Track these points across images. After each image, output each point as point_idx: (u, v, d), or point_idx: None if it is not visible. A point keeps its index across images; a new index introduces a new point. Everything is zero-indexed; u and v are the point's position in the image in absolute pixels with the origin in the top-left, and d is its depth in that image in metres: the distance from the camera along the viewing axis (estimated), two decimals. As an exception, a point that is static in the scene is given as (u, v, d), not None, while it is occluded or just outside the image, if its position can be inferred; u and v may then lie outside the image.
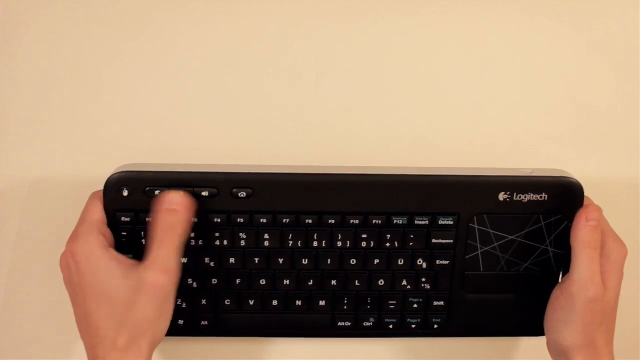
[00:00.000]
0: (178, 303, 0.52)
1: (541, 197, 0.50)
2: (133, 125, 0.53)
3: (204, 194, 0.49)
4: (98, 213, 0.48)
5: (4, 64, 0.52)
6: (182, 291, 0.51)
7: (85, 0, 0.51)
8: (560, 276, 0.53)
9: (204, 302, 0.52)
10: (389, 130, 0.54)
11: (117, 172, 0.49)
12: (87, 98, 0.53)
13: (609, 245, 0.49)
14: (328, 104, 0.54)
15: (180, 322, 0.52)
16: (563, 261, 0.52)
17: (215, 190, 0.49)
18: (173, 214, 0.47)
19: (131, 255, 0.48)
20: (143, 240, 0.50)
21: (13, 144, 0.53)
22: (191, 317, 0.52)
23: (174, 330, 0.52)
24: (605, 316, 0.49)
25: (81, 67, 0.52)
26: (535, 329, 0.54)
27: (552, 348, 0.51)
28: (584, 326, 0.48)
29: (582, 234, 0.48)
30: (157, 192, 0.49)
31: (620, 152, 0.56)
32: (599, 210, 0.49)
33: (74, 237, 0.47)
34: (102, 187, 0.49)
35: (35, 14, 0.51)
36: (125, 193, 0.49)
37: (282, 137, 0.54)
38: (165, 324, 0.46)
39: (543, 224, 0.51)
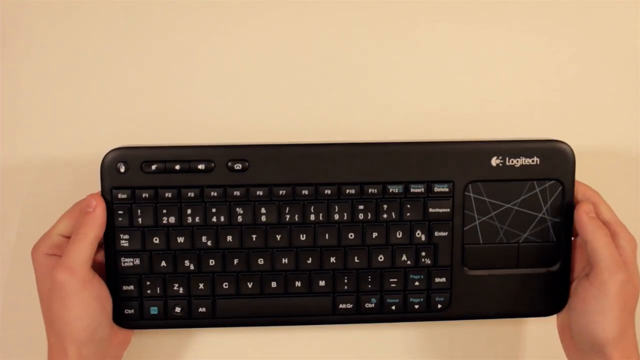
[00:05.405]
0: (174, 288, 0.51)
1: (533, 161, 0.51)
2: (133, 109, 0.54)
3: (200, 167, 0.49)
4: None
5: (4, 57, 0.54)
6: (179, 275, 0.51)
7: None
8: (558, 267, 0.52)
9: (201, 286, 0.51)
10: (383, 104, 0.56)
11: (112, 149, 0.49)
12: (87, 86, 0.54)
13: (623, 236, 0.50)
14: (324, 80, 0.55)
15: (178, 309, 0.51)
16: (562, 230, 0.52)
17: (212, 164, 0.49)
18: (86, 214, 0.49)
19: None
20: (140, 219, 0.50)
21: (14, 129, 0.54)
22: (188, 304, 0.51)
23: (173, 322, 0.51)
24: (634, 303, 0.49)
25: (83, 55, 0.54)
26: (540, 308, 0.53)
27: (584, 345, 0.49)
28: (620, 311, 0.48)
29: (590, 225, 0.49)
30: (153, 167, 0.49)
31: (615, 127, 0.57)
32: (590, 203, 0.51)
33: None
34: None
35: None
36: (122, 169, 0.49)
37: (277, 112, 0.55)
38: (83, 323, 0.47)
39: (538, 189, 0.52)
